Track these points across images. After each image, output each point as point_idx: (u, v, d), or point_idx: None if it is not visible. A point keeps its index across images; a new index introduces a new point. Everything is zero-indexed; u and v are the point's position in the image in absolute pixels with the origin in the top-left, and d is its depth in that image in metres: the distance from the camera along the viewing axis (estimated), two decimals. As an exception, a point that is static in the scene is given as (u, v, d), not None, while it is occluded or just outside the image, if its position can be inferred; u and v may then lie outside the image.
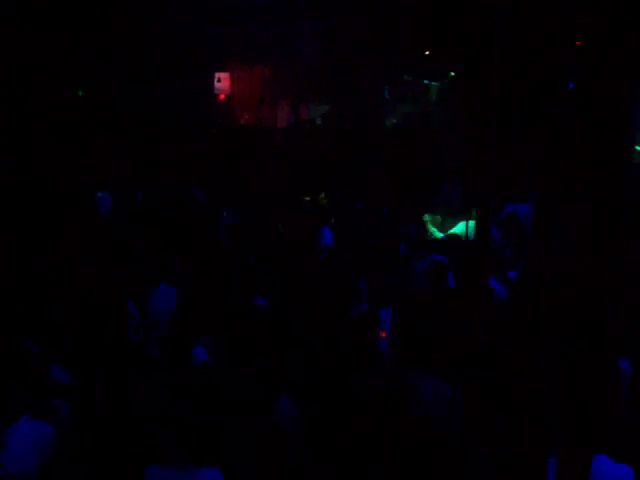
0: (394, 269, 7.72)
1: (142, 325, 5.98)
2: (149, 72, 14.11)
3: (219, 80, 16.31)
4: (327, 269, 7.81)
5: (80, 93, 11.98)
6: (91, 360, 4.57)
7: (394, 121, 16.46)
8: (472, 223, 8.14)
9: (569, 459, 2.69)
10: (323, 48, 14.81)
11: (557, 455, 2.90)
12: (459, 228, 9.41)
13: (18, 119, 8.01)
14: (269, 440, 3.74)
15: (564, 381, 2.66)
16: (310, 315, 5.82)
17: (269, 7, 13.93)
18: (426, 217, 10.09)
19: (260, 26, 14.58)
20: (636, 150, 10.87)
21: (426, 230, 9.87)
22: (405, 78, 16.13)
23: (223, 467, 3.56)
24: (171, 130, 14.55)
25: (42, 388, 4.04)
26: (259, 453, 3.66)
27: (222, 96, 16.58)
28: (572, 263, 2.61)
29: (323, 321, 5.70)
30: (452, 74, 14.46)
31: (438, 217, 10.12)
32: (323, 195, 12.05)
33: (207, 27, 14.04)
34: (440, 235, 9.58)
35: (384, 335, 5.91)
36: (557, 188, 2.73)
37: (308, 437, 3.98)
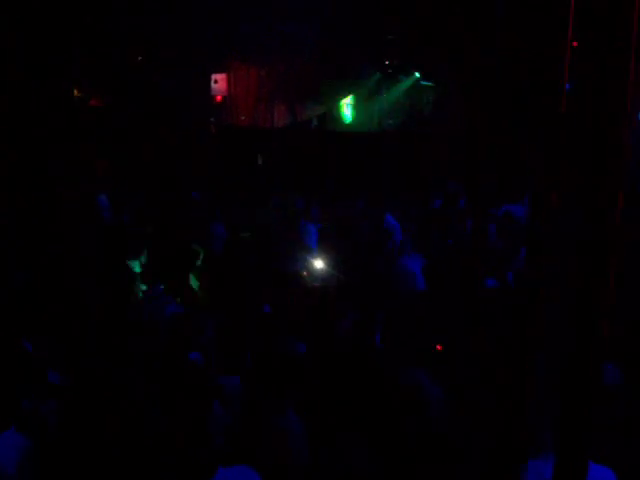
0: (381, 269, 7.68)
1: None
2: (146, 73, 14.12)
3: (216, 81, 16.26)
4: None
5: (76, 94, 11.97)
6: (90, 363, 4.55)
7: (391, 122, 16.47)
8: None
9: (566, 460, 2.69)
10: (320, 48, 14.82)
11: (554, 456, 2.91)
12: None
13: (17, 120, 8.00)
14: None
15: (563, 382, 2.66)
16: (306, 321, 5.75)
17: (267, 7, 13.93)
18: None
19: (257, 26, 14.57)
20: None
21: None
22: (401, 78, 16.16)
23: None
24: (168, 131, 14.56)
25: (40, 390, 4.01)
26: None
27: (219, 97, 16.54)
28: (570, 264, 2.61)
29: (320, 327, 5.64)
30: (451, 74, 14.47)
31: None
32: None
33: (204, 28, 14.03)
34: None
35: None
36: (555, 188, 2.73)
37: (313, 450, 3.91)
